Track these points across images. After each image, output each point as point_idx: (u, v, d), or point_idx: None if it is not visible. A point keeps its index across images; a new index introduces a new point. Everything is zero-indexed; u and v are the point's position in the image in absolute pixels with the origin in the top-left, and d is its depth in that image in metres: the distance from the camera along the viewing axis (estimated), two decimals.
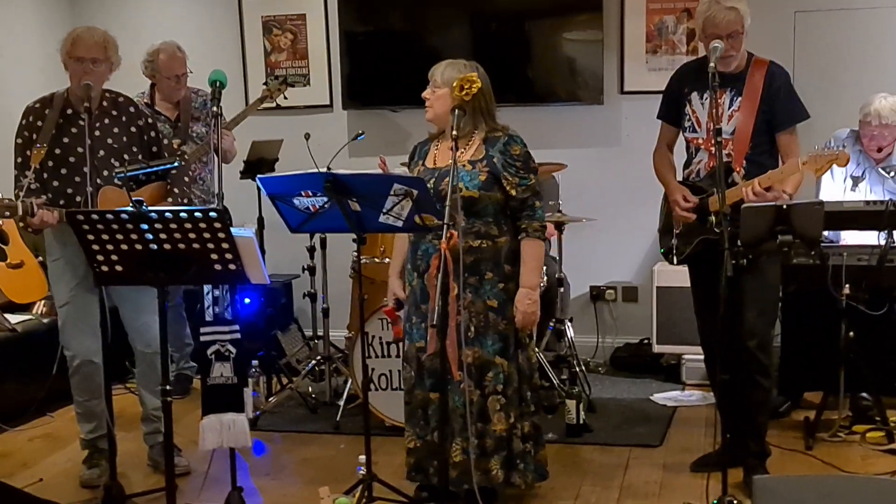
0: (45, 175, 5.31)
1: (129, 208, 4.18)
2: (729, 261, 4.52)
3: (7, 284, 6.86)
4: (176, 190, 5.48)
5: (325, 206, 4.62)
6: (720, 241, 4.63)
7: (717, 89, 4.79)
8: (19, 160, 5.36)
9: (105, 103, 5.44)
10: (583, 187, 7.41)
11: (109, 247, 4.27)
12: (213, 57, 7.63)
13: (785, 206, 4.77)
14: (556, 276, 6.79)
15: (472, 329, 4.90)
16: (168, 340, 4.59)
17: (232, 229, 4.21)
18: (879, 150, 6.24)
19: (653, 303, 7.28)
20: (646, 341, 7.62)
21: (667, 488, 5.38)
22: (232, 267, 4.30)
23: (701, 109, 5.29)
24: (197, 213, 4.16)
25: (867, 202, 5.90)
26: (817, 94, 6.54)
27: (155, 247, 4.23)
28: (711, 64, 4.76)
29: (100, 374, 5.30)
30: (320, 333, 7.13)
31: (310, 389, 6.98)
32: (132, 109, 5.53)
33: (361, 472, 5.00)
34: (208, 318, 4.86)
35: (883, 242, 5.75)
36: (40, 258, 6.72)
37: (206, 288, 4.83)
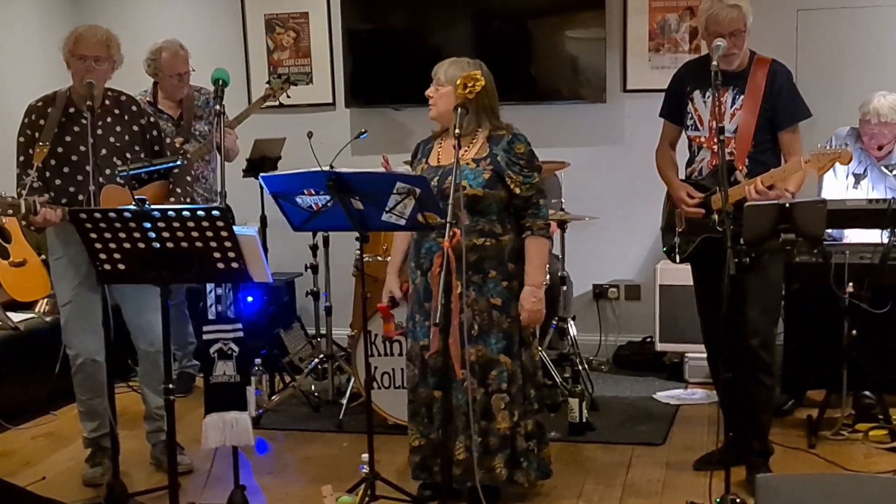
0: (48, 173, 5.32)
1: (132, 207, 4.18)
2: (732, 259, 4.52)
3: (10, 283, 6.85)
4: (178, 190, 5.48)
5: (328, 204, 4.62)
6: (723, 239, 4.63)
7: (720, 88, 4.80)
8: (22, 159, 5.36)
9: (107, 102, 5.44)
10: (585, 186, 7.41)
11: (112, 245, 4.26)
12: (215, 55, 7.61)
13: (788, 205, 4.77)
14: (559, 274, 6.80)
15: (476, 327, 4.91)
16: (171, 339, 4.59)
17: (235, 228, 4.21)
18: (880, 148, 6.24)
19: (655, 301, 7.28)
20: (649, 339, 7.62)
21: (670, 487, 5.38)
22: (234, 265, 4.30)
23: (703, 108, 5.29)
24: (200, 212, 4.15)
25: (870, 201, 5.90)
26: (820, 93, 6.53)
27: (158, 245, 4.23)
28: (714, 62, 4.76)
29: (102, 372, 5.30)
30: (323, 332, 7.12)
31: (312, 388, 6.97)
32: (134, 108, 5.54)
33: (364, 470, 5.00)
34: (211, 316, 4.86)
35: (885, 241, 5.75)
36: (43, 256, 6.72)
37: (209, 286, 4.83)
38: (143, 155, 5.47)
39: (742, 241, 4.75)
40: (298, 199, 4.65)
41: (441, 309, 4.34)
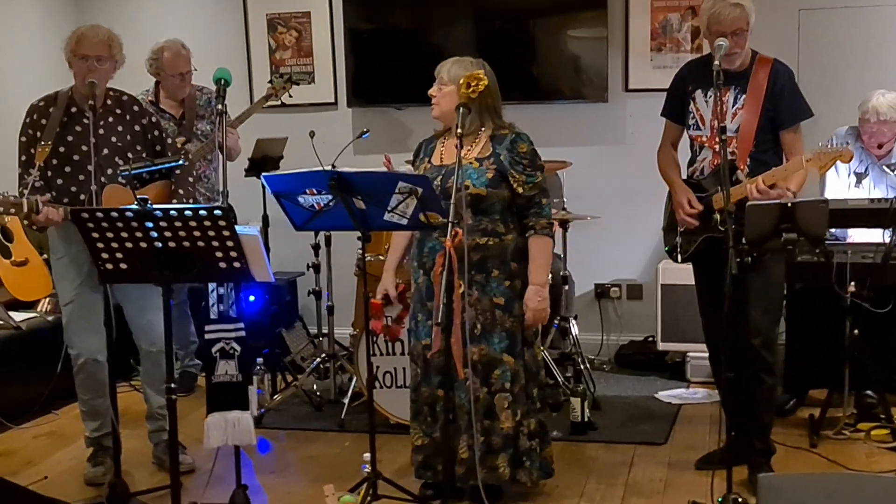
0: (50, 173, 5.32)
1: (134, 206, 4.18)
2: (734, 259, 4.52)
3: (12, 282, 6.86)
4: (180, 191, 5.48)
5: (330, 203, 4.62)
6: (725, 238, 4.63)
7: (722, 87, 4.80)
8: (23, 158, 5.36)
9: (109, 102, 5.44)
10: (587, 185, 7.40)
11: (114, 245, 4.26)
12: (217, 55, 7.63)
13: (790, 204, 4.77)
14: (561, 273, 6.80)
15: (479, 327, 4.91)
16: (172, 338, 4.59)
17: (236, 227, 4.21)
18: (880, 146, 6.24)
19: (657, 300, 7.28)
20: (650, 339, 7.62)
21: (671, 486, 5.38)
22: (236, 265, 4.30)
23: (705, 107, 5.29)
24: (201, 212, 4.15)
25: (871, 200, 5.89)
26: (821, 92, 6.53)
27: (159, 245, 4.23)
28: (716, 62, 4.76)
29: (104, 372, 5.30)
30: (325, 331, 7.12)
31: (314, 387, 6.98)
32: (136, 108, 5.54)
33: (366, 469, 5.00)
34: (213, 315, 4.85)
35: (887, 240, 5.75)
36: (45, 256, 6.73)
37: (211, 286, 4.83)
38: (144, 155, 5.47)
39: (744, 240, 4.75)
40: (300, 199, 4.65)
41: (443, 308, 4.35)
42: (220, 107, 4.95)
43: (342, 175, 4.54)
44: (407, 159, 5.42)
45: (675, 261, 5.53)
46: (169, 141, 5.77)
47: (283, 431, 6.42)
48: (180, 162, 5.49)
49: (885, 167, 6.21)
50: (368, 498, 4.91)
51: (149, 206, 4.16)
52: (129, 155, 5.40)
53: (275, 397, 6.88)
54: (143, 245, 4.24)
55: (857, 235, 6.10)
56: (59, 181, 5.32)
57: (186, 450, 5.68)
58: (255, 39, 8.32)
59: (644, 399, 6.89)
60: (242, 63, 8.25)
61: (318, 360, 7.02)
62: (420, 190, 4.46)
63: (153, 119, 5.62)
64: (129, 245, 4.26)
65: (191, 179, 5.64)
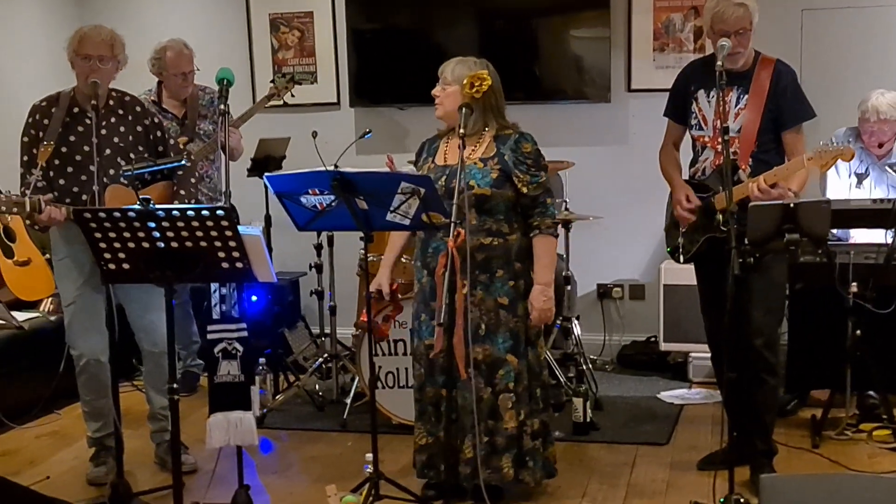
0: (52, 173, 5.31)
1: (137, 206, 4.18)
2: (736, 259, 4.52)
3: (14, 282, 6.86)
4: (182, 192, 5.48)
5: (333, 204, 4.63)
6: (727, 239, 4.63)
7: (724, 87, 4.79)
8: (25, 158, 5.36)
9: (111, 102, 5.44)
10: (590, 185, 7.41)
11: (116, 245, 4.26)
12: (220, 54, 7.64)
13: (792, 205, 4.77)
14: (563, 273, 6.79)
15: (483, 327, 4.92)
16: (175, 338, 4.59)
17: (239, 227, 4.21)
18: (880, 145, 6.24)
19: (660, 301, 7.28)
20: (653, 339, 7.62)
21: (673, 486, 5.38)
22: (239, 265, 4.30)
23: (707, 107, 5.29)
24: (204, 212, 4.16)
25: (874, 200, 5.90)
26: (824, 93, 6.54)
27: (162, 245, 4.23)
28: (719, 62, 4.76)
29: (106, 373, 5.30)
30: (327, 331, 7.13)
31: (317, 387, 6.98)
32: (138, 108, 5.54)
33: (368, 469, 5.00)
34: (215, 316, 4.85)
35: (890, 241, 5.75)
36: (47, 255, 6.72)
37: (214, 286, 4.83)
38: (146, 155, 5.47)
39: (746, 241, 4.75)
40: (303, 199, 4.65)
41: (445, 308, 4.36)
42: (222, 107, 4.95)
43: (345, 175, 4.54)
44: (409, 159, 5.42)
45: (677, 261, 5.54)
46: (171, 141, 5.76)
47: (285, 431, 6.43)
48: (182, 162, 5.49)
49: (887, 167, 6.20)
50: (370, 498, 4.92)
51: (151, 206, 4.17)
52: (132, 155, 5.40)
53: (277, 397, 6.88)
54: (146, 245, 4.24)
55: (860, 236, 6.10)
56: (62, 181, 5.32)
57: (189, 450, 5.68)
58: (257, 39, 8.32)
59: (646, 399, 6.89)
60: (245, 63, 8.25)
61: (321, 360, 7.01)
62: (422, 190, 4.46)
63: (155, 120, 5.62)
64: (131, 245, 4.26)
65: (193, 180, 5.63)
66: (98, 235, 4.25)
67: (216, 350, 4.83)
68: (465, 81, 4.75)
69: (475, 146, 4.95)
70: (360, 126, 7.81)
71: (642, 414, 6.57)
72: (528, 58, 7.80)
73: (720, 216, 5.09)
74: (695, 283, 5.56)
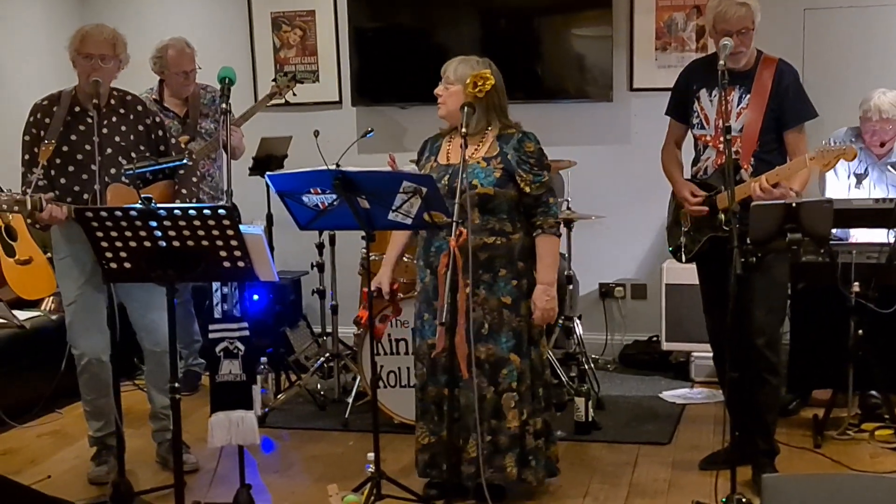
0: (53, 172, 5.31)
1: (138, 205, 4.18)
2: (738, 259, 4.52)
3: (16, 281, 6.85)
4: (184, 191, 5.48)
5: (334, 203, 4.63)
6: (729, 238, 4.63)
7: (727, 86, 4.79)
8: (27, 157, 5.35)
9: (113, 101, 5.44)
10: (592, 184, 7.40)
11: (118, 244, 4.26)
12: (222, 53, 7.64)
13: (794, 204, 4.76)
14: (566, 273, 6.79)
15: (487, 326, 4.92)
16: (176, 337, 4.59)
17: (241, 226, 4.21)
18: (882, 144, 6.23)
19: (662, 300, 7.27)
20: (655, 339, 7.62)
21: (675, 486, 5.37)
22: (241, 264, 4.30)
23: (709, 106, 5.29)
24: (206, 211, 4.16)
25: (876, 200, 5.90)
26: (826, 92, 6.52)
27: (164, 244, 4.23)
28: (721, 61, 4.76)
29: (108, 372, 5.31)
30: (329, 330, 7.12)
31: (318, 386, 6.98)
32: (140, 108, 5.54)
33: (370, 469, 5.00)
34: (217, 315, 4.86)
35: (892, 240, 5.74)
36: (49, 254, 6.72)
37: (215, 285, 4.84)
38: (148, 154, 5.46)
39: (748, 240, 4.74)
40: (304, 198, 4.65)
41: (447, 307, 4.35)
42: (224, 105, 4.96)
43: (346, 174, 4.54)
44: (411, 158, 5.42)
45: (679, 260, 5.54)
46: (173, 140, 5.76)
47: (286, 431, 6.42)
48: (184, 161, 5.48)
49: (888, 167, 6.19)
50: (372, 497, 4.92)
51: (153, 204, 4.16)
52: (133, 155, 5.39)
53: (278, 396, 6.87)
54: (147, 244, 4.24)
55: (860, 236, 6.09)
56: (63, 180, 5.31)
57: (190, 449, 5.68)
58: (259, 38, 8.31)
59: (648, 399, 6.88)
60: (247, 61, 8.25)
61: (322, 359, 7.00)
62: (424, 189, 4.46)
63: (157, 119, 5.62)
64: (132, 244, 4.26)
65: (194, 179, 5.63)
66: (99, 234, 4.25)
67: (218, 349, 4.83)
68: (468, 81, 4.76)
69: (478, 145, 4.95)
70: (361, 125, 7.81)
71: (644, 413, 6.57)
72: (530, 57, 7.79)
73: (722, 215, 5.09)
74: (697, 282, 5.55)
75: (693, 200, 5.26)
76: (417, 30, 8.00)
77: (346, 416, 6.39)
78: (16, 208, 5.01)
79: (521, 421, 4.98)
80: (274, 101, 6.98)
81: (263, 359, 6.69)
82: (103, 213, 4.22)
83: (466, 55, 5.04)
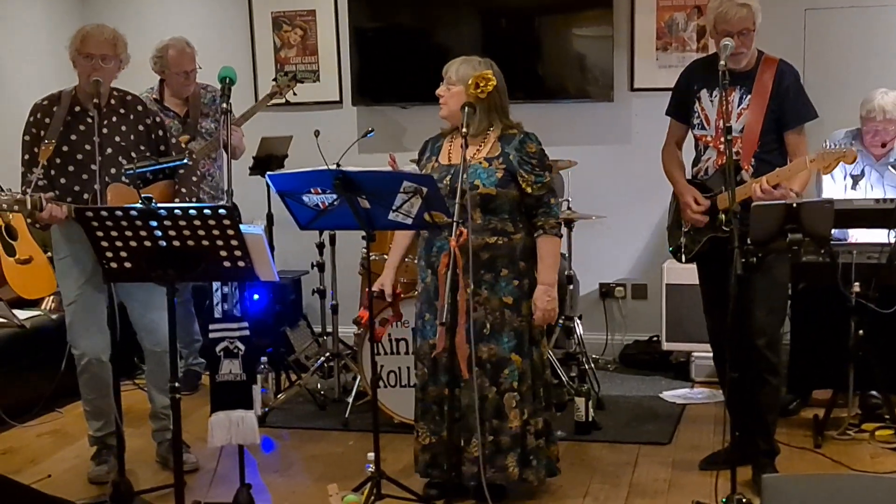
0: (53, 172, 5.30)
1: (139, 205, 4.17)
2: (739, 259, 4.52)
3: (16, 280, 6.85)
4: (184, 190, 5.48)
5: (335, 203, 4.63)
6: (729, 239, 4.63)
7: (727, 87, 4.79)
8: (27, 157, 5.35)
9: (113, 101, 5.44)
10: (592, 184, 7.40)
11: (118, 243, 4.26)
12: (222, 53, 7.65)
13: (795, 205, 4.76)
14: (566, 273, 6.79)
15: (488, 326, 4.92)
16: (176, 336, 4.59)
17: (241, 226, 4.21)
18: (883, 145, 6.22)
19: (662, 300, 7.27)
20: (655, 339, 7.62)
21: (675, 486, 5.37)
22: (241, 264, 4.30)
23: (710, 107, 5.28)
24: (206, 210, 4.15)
25: (877, 200, 5.90)
26: (827, 93, 6.53)
27: (164, 243, 4.22)
28: (722, 62, 4.75)
29: (108, 372, 5.31)
30: (329, 330, 7.12)
31: (318, 386, 6.98)
32: (140, 108, 5.53)
33: (370, 469, 5.00)
34: (217, 314, 4.86)
35: (893, 241, 5.74)
36: (49, 254, 6.71)
37: (216, 285, 4.84)
38: (148, 154, 5.46)
39: (749, 240, 4.74)
40: (305, 198, 4.65)
41: (447, 307, 4.35)
42: (224, 105, 4.96)
43: (347, 174, 4.54)
44: (412, 158, 5.42)
45: (680, 261, 5.54)
46: (173, 140, 5.76)
47: (286, 430, 6.42)
48: (184, 161, 5.48)
49: (889, 167, 6.19)
50: (372, 497, 4.92)
51: (153, 204, 4.16)
52: (133, 154, 5.39)
53: (279, 396, 6.87)
54: (148, 244, 4.24)
55: (859, 236, 6.09)
56: (63, 180, 5.31)
57: (190, 448, 5.68)
58: (259, 37, 8.31)
59: (648, 399, 6.88)
60: (247, 61, 8.25)
61: (322, 358, 7.00)
62: (425, 189, 4.46)
63: (157, 119, 5.61)
64: (133, 244, 4.26)
65: (195, 178, 5.63)
66: (100, 234, 4.25)
67: (218, 349, 4.83)
68: (469, 81, 4.76)
69: (480, 146, 4.95)
70: (362, 125, 7.81)
71: (644, 413, 6.57)
72: (531, 57, 7.79)
73: (723, 216, 5.09)
74: (697, 282, 5.55)
75: (696, 208, 5.25)
76: (418, 30, 8.00)
77: (347, 415, 6.39)
78: (16, 208, 5.01)
79: (523, 421, 4.98)
80: (274, 101, 6.98)
81: (263, 358, 6.70)
82: (103, 213, 4.22)
83: (467, 55, 5.04)
